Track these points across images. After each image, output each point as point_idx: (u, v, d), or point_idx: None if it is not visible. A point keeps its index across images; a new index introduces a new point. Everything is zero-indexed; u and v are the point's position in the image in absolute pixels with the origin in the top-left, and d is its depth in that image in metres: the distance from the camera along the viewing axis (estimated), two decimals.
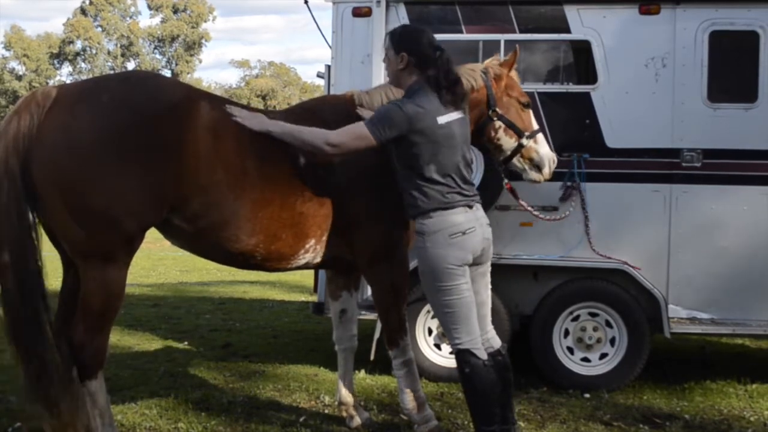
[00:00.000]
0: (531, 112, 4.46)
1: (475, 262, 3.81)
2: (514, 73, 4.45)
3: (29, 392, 3.69)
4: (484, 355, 3.75)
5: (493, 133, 4.31)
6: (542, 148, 4.43)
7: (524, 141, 4.34)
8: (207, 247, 3.98)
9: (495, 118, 4.28)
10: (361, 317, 5.11)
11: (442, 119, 3.73)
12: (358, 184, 4.07)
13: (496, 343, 3.95)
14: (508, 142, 4.34)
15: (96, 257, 3.61)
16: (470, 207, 3.77)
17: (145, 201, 3.61)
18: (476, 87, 4.23)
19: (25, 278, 3.62)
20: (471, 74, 4.23)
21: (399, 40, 3.85)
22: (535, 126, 4.45)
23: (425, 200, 3.72)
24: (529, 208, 5.23)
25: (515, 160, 4.42)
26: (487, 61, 4.43)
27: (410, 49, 3.80)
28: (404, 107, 3.70)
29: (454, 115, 3.78)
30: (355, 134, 3.77)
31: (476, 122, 4.24)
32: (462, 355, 3.74)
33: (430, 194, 3.71)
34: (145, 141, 3.60)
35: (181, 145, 3.67)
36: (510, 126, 4.31)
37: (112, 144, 3.54)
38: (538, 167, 4.44)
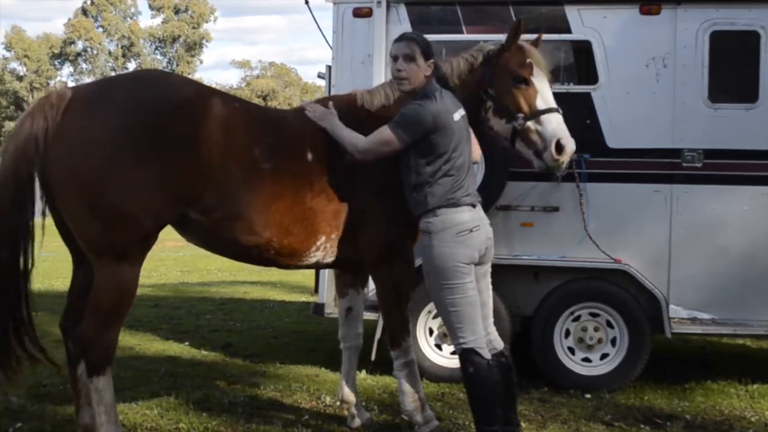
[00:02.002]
0: (537, 88, 3.92)
1: (478, 262, 3.82)
2: (526, 50, 3.96)
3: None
4: (487, 355, 3.76)
5: (483, 114, 4.05)
6: (545, 129, 3.87)
7: (518, 123, 3.91)
8: (223, 241, 4.00)
9: (485, 98, 4.02)
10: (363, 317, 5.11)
11: (457, 115, 3.80)
12: (365, 183, 4.09)
13: (499, 344, 3.95)
14: (498, 124, 3.99)
15: (111, 254, 3.66)
16: (474, 206, 3.81)
17: (161, 197, 3.67)
18: (475, 67, 4.10)
19: (8, 277, 3.71)
20: (474, 54, 4.13)
21: (426, 47, 3.91)
22: (541, 105, 3.90)
23: (434, 197, 3.75)
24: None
25: (518, 146, 3.97)
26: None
27: (433, 57, 3.92)
28: (426, 107, 3.75)
29: (462, 112, 3.85)
30: (381, 140, 3.83)
31: (471, 103, 4.00)
32: (466, 354, 3.74)
33: (439, 191, 3.74)
34: (159, 138, 3.66)
35: (194, 141, 3.73)
36: (498, 107, 3.96)
37: (127, 142, 3.61)
38: (539, 152, 3.90)
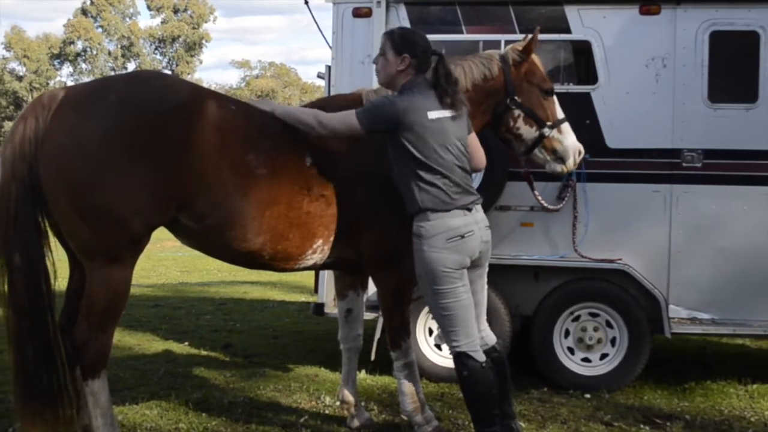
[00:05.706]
0: (555, 99, 4.31)
1: (473, 265, 3.80)
2: (536, 58, 4.28)
3: (24, 395, 3.69)
4: (482, 357, 3.75)
5: (511, 123, 4.23)
6: (567, 139, 4.27)
7: (546, 131, 4.22)
8: (215, 246, 3.98)
9: (513, 107, 4.20)
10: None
11: (433, 114, 3.72)
12: (365, 186, 4.06)
13: (491, 339, 3.96)
14: (528, 131, 4.23)
15: (102, 256, 3.63)
16: (469, 210, 3.74)
17: (151, 200, 3.63)
18: (490, 75, 4.18)
19: (35, 280, 3.66)
20: (485, 62, 4.20)
21: (401, 42, 3.84)
22: (560, 115, 4.29)
23: (422, 198, 3.71)
24: (541, 200, 5.44)
25: (537, 151, 4.28)
26: (508, 47, 4.33)
27: (412, 52, 3.82)
28: (395, 101, 3.75)
29: (448, 112, 3.76)
30: (343, 119, 3.83)
31: (493, 111, 4.22)
32: (460, 357, 3.74)
33: (426, 193, 3.70)
34: (152, 140, 3.61)
35: (187, 144, 3.68)
36: (530, 115, 4.21)
37: (119, 143, 3.56)
38: (562, 159, 4.28)
